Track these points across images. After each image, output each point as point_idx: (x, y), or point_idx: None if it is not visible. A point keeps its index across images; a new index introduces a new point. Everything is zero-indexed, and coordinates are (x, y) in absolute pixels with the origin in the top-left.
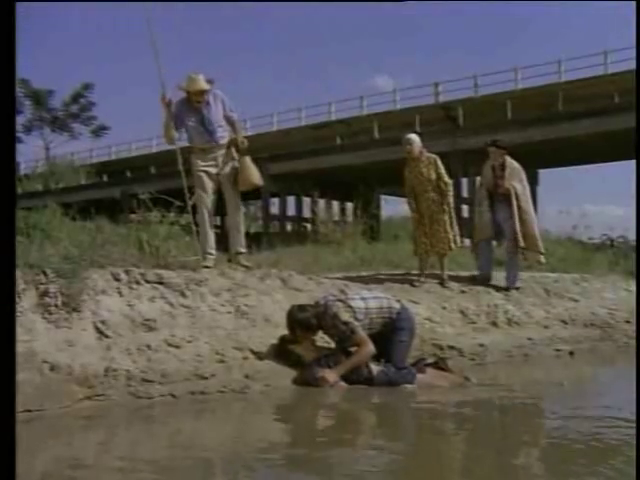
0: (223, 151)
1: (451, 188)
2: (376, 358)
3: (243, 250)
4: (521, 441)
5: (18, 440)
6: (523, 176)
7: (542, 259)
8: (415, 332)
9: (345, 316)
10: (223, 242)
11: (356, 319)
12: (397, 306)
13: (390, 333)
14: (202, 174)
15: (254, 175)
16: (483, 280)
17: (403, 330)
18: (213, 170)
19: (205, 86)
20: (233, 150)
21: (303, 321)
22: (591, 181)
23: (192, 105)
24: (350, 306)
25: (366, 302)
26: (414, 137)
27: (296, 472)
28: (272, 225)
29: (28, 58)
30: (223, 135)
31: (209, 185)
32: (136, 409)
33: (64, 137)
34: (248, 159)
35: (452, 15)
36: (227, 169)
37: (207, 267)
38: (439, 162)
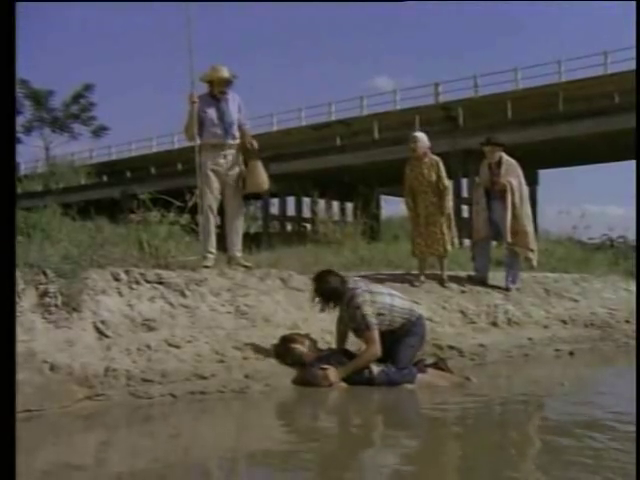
0: (233, 151)
1: (450, 192)
2: (380, 359)
3: (239, 254)
4: (522, 442)
5: (18, 440)
6: (520, 172)
7: (531, 256)
8: (425, 341)
9: (367, 310)
10: (223, 242)
11: (379, 314)
12: (418, 311)
13: (402, 335)
14: (210, 173)
15: (263, 179)
16: (479, 281)
17: (416, 336)
18: (221, 169)
19: (229, 76)
20: (241, 154)
21: (327, 290)
22: (591, 181)
23: (212, 99)
24: (375, 301)
25: (392, 299)
26: (421, 136)
27: (296, 473)
28: (272, 225)
29: (28, 58)
30: (236, 135)
31: (216, 185)
32: (136, 409)
33: (64, 137)
34: (259, 163)
35: (452, 15)
36: (235, 171)
37: (207, 267)
38: (441, 165)
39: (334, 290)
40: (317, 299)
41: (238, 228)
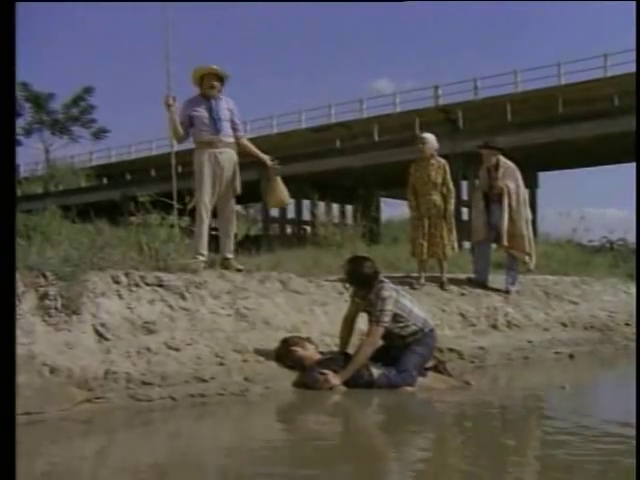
0: (228, 150)
1: (453, 195)
2: (384, 364)
3: (230, 256)
4: (521, 445)
5: (18, 443)
6: (518, 175)
7: (527, 260)
8: (432, 355)
9: (388, 307)
10: (216, 244)
11: (398, 315)
12: (432, 324)
13: (412, 342)
14: (206, 171)
15: (285, 195)
16: (478, 283)
17: (426, 347)
18: (217, 168)
19: (220, 71)
20: (235, 151)
21: (361, 275)
22: (591, 184)
23: (202, 98)
24: (398, 300)
25: (412, 305)
26: (430, 137)
27: (297, 475)
28: (272, 228)
29: (28, 61)
30: (228, 132)
31: (209, 184)
32: (136, 412)
33: (64, 140)
34: (279, 179)
35: (452, 17)
36: (230, 171)
37: (197, 268)
38: (447, 168)
39: (368, 277)
40: (349, 284)
41: (230, 231)
